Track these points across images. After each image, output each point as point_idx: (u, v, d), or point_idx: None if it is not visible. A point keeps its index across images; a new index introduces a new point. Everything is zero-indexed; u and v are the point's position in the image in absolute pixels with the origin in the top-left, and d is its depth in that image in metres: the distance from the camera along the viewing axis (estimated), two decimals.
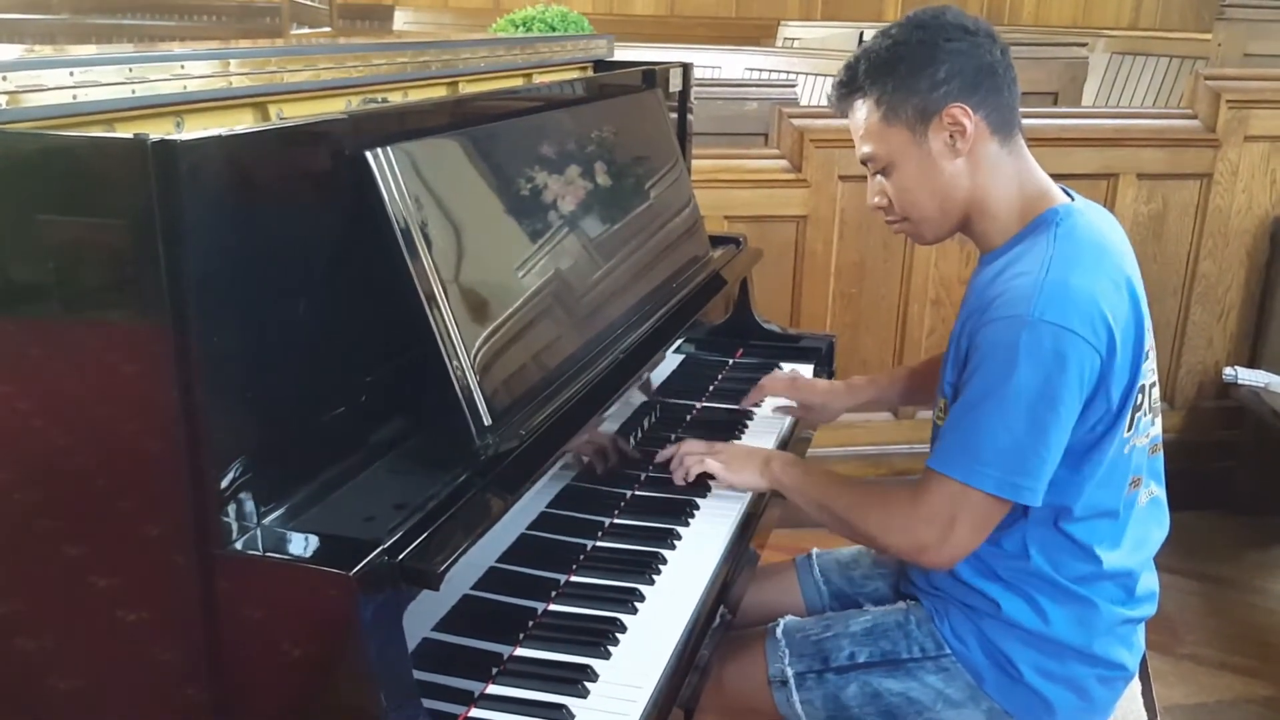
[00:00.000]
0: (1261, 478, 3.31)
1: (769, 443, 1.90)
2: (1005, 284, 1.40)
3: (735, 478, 1.63)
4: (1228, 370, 3.24)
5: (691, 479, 1.65)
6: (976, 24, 1.48)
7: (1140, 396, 1.46)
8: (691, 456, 1.65)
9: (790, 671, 1.56)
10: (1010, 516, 1.44)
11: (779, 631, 1.61)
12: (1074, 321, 1.34)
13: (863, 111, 1.50)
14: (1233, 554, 3.14)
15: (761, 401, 2.01)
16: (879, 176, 1.53)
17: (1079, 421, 1.39)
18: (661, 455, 1.70)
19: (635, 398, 1.68)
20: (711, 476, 1.65)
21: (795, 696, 1.55)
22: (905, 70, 1.45)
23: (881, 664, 1.55)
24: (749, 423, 1.97)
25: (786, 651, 1.58)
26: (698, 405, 2.02)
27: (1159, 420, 1.55)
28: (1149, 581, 1.56)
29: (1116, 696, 1.57)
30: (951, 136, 1.45)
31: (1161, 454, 1.57)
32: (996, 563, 1.49)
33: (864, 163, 1.54)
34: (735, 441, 1.81)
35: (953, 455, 1.39)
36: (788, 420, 1.99)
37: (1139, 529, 1.53)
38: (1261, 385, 3.14)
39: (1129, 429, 1.45)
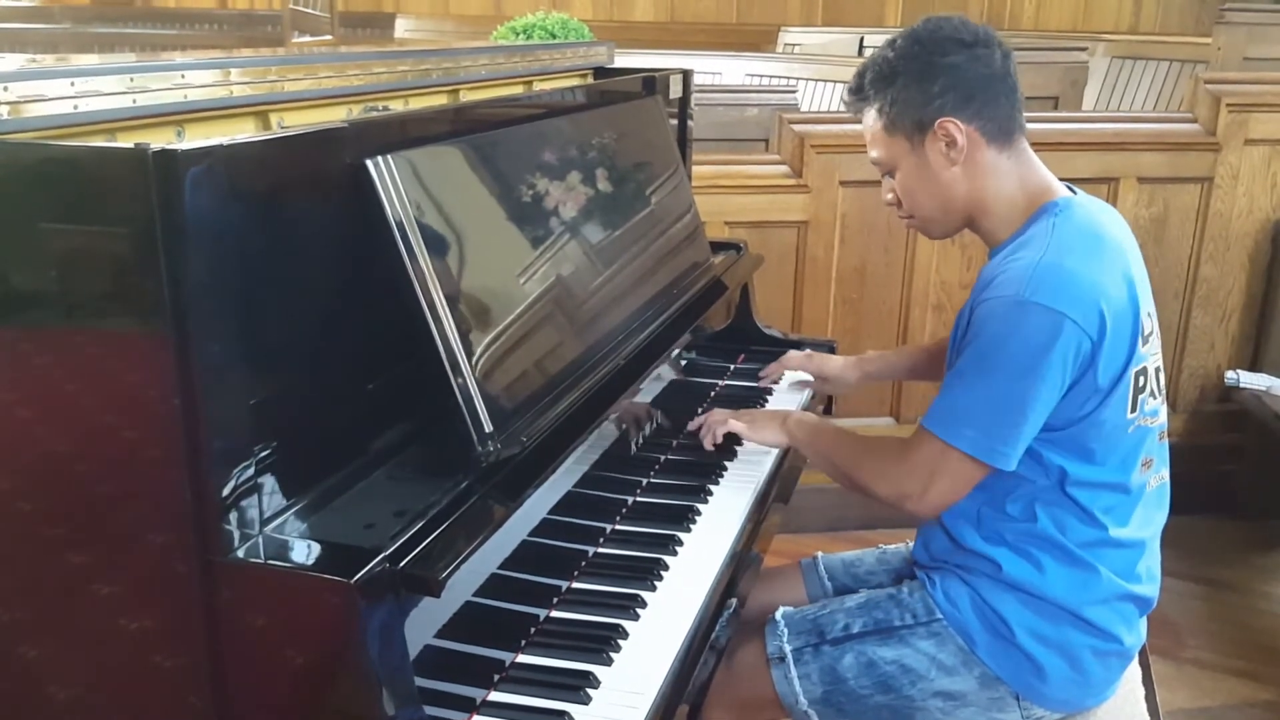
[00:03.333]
0: (1264, 481, 3.30)
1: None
2: (1003, 267, 1.48)
3: (758, 435, 1.74)
4: (1229, 374, 3.23)
5: (719, 442, 1.77)
6: (976, 35, 1.53)
7: (1143, 379, 1.51)
8: (717, 422, 1.77)
9: (788, 648, 1.60)
10: (1017, 482, 1.50)
11: (778, 615, 1.65)
12: (1064, 304, 1.41)
13: (870, 118, 1.59)
14: (1235, 558, 3.14)
15: (779, 378, 2.14)
16: (888, 177, 1.62)
17: (1067, 400, 1.45)
18: (691, 425, 1.83)
19: (637, 403, 1.68)
20: (733, 450, 1.79)
21: (793, 672, 1.58)
22: (902, 84, 1.53)
23: (875, 633, 1.59)
24: (769, 398, 2.08)
25: (785, 631, 1.62)
26: (699, 410, 2.02)
27: (1165, 408, 1.60)
28: (1152, 564, 1.59)
29: (1111, 678, 1.58)
30: (946, 147, 1.52)
31: (1168, 441, 1.62)
32: (1004, 527, 1.54)
33: (874, 164, 1.63)
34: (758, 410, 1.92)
35: (938, 415, 1.48)
36: (805, 394, 2.10)
37: (1147, 510, 1.57)
38: (1263, 389, 3.13)
39: (1133, 409, 1.50)
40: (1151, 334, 1.52)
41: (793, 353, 2.12)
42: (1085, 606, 1.51)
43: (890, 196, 1.63)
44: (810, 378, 2.11)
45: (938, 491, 1.49)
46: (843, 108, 1.68)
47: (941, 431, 1.46)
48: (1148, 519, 1.57)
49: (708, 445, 1.78)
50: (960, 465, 1.46)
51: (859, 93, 1.59)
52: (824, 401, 2.18)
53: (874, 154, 1.60)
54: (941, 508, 1.52)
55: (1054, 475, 1.50)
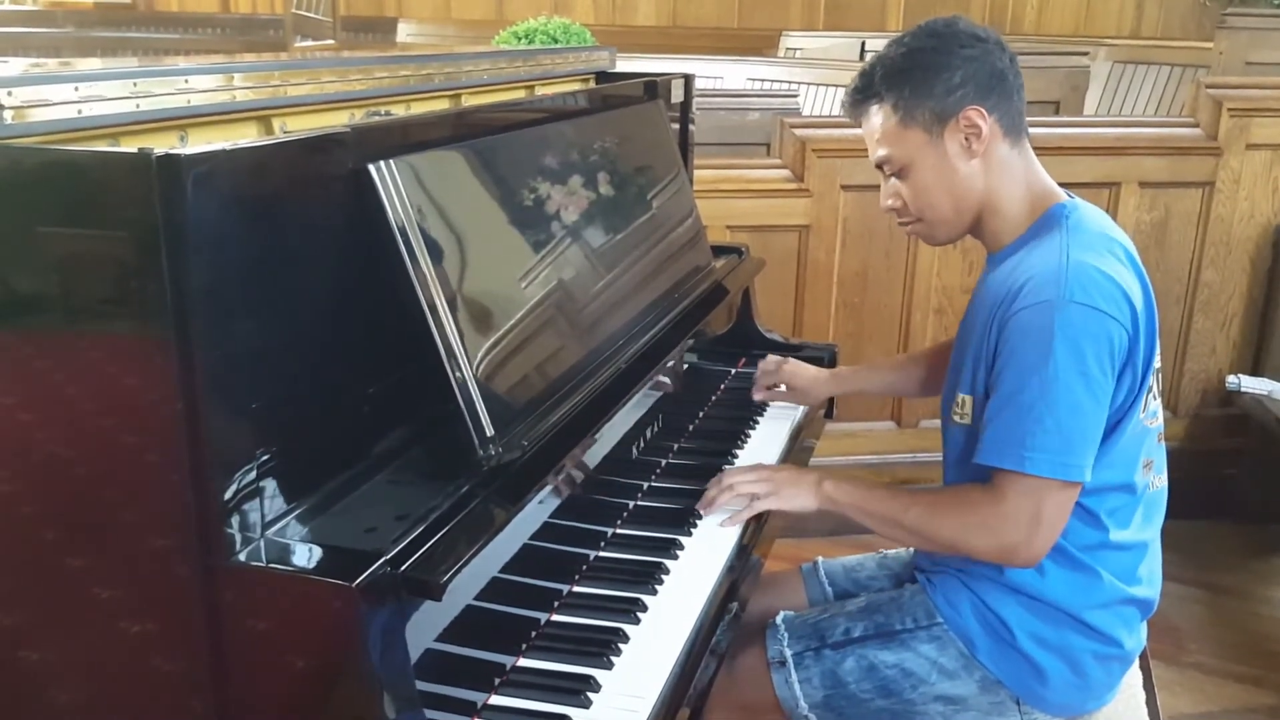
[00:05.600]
0: (1265, 486, 3.30)
1: (782, 436, 1.95)
2: (1026, 273, 1.45)
3: (788, 504, 1.59)
4: (1231, 378, 3.23)
5: (745, 518, 1.59)
6: (986, 32, 1.54)
7: (1152, 379, 1.51)
8: (737, 481, 1.60)
9: (789, 653, 1.60)
10: None
11: (779, 620, 1.64)
12: (1100, 300, 1.39)
13: (879, 116, 1.56)
14: (1237, 562, 3.14)
15: (767, 396, 2.07)
16: (893, 179, 1.58)
17: (1111, 397, 1.43)
18: (711, 485, 1.64)
19: (638, 407, 1.69)
20: (734, 455, 1.70)
21: (794, 676, 1.58)
22: (921, 75, 1.51)
23: (876, 637, 1.58)
24: (759, 419, 2.02)
25: (786, 635, 1.62)
26: (700, 415, 2.02)
27: (1162, 410, 1.60)
28: (1153, 566, 1.59)
29: (1112, 682, 1.58)
30: (967, 139, 1.51)
31: (1166, 445, 1.61)
32: None
33: (879, 166, 1.59)
34: (781, 465, 1.72)
35: (1001, 445, 1.41)
36: (799, 412, 2.05)
37: (1147, 511, 1.57)
38: (1265, 393, 3.13)
39: (1143, 409, 1.50)
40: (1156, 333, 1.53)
41: (769, 358, 2.08)
42: (1086, 610, 1.51)
43: (892, 201, 1.59)
44: (781, 388, 2.05)
45: (1046, 530, 1.40)
46: (842, 111, 1.65)
47: (1009, 461, 1.39)
48: (1148, 521, 1.57)
49: (705, 509, 1.61)
50: (1058, 494, 1.39)
51: (866, 90, 1.55)
52: (824, 405, 2.15)
53: (882, 152, 1.56)
54: (1049, 548, 1.43)
55: None
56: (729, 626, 1.45)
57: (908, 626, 1.57)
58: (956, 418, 1.57)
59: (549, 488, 1.35)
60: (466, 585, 1.20)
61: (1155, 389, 1.54)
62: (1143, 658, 1.69)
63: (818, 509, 1.59)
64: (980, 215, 1.56)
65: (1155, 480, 1.58)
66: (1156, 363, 1.53)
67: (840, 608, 1.64)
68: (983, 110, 1.49)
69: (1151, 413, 1.53)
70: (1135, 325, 1.43)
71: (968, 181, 1.53)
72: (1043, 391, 1.38)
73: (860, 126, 1.60)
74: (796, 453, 1.97)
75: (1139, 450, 1.52)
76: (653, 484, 1.73)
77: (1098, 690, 1.56)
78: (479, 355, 1.27)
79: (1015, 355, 1.41)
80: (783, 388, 2.06)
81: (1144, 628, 1.61)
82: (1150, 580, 1.57)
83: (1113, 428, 1.46)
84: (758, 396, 2.06)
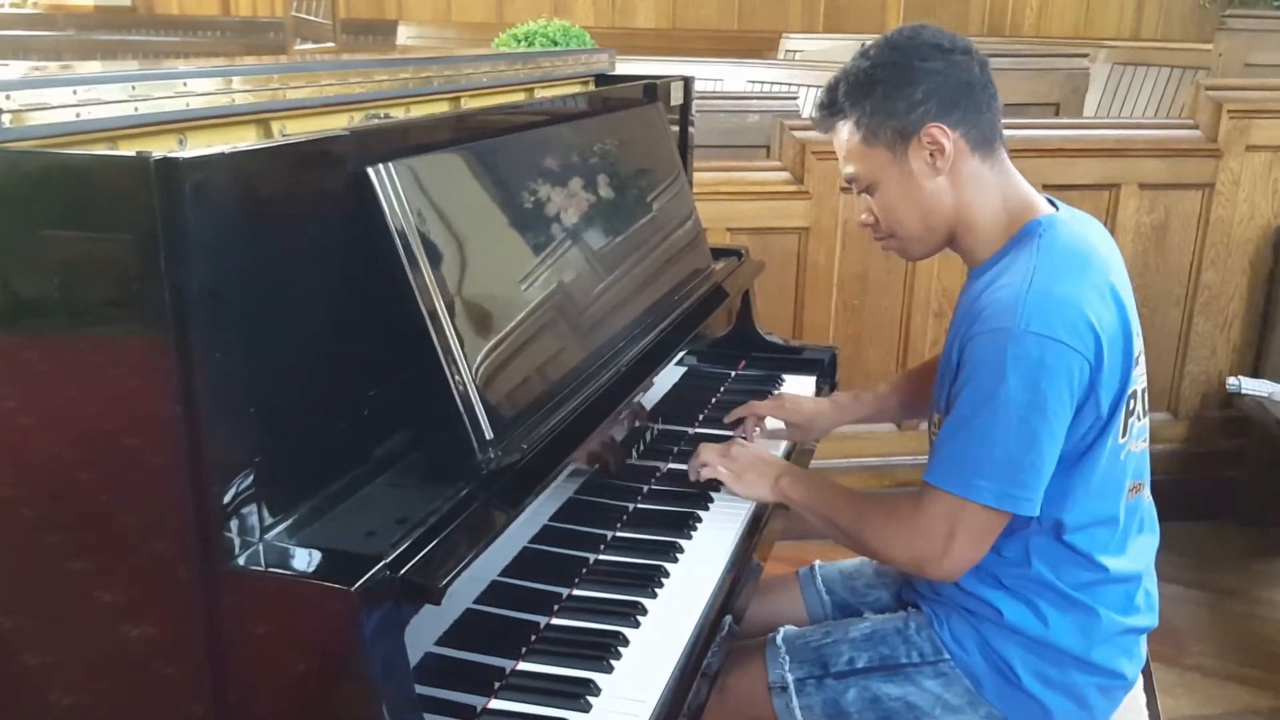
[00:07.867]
0: (1266, 488, 3.29)
1: (782, 439, 1.93)
2: (990, 297, 1.42)
3: (743, 489, 1.63)
4: (1231, 380, 3.23)
5: (703, 479, 1.66)
6: (953, 42, 1.49)
7: (1133, 402, 1.47)
8: (707, 457, 1.65)
9: (790, 678, 1.57)
10: (1012, 525, 1.45)
11: (779, 639, 1.62)
12: (1059, 331, 1.36)
13: (844, 132, 1.52)
14: (1238, 564, 3.13)
15: (753, 422, 1.94)
16: (864, 195, 1.55)
17: (1070, 429, 1.40)
18: (692, 458, 1.70)
19: (638, 411, 1.68)
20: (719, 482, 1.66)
21: (795, 702, 1.56)
22: (882, 93, 1.47)
23: (880, 669, 1.55)
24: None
25: (787, 658, 1.59)
26: (700, 417, 2.02)
27: (1147, 420, 1.57)
28: (1151, 588, 1.57)
29: (1115, 705, 1.57)
30: (931, 155, 1.47)
31: (1161, 447, 1.57)
32: (999, 570, 1.50)
33: (849, 182, 1.56)
34: (751, 447, 1.71)
35: (948, 469, 1.41)
36: (782, 444, 1.98)
37: (1139, 534, 1.55)
38: (1265, 395, 3.14)
39: (1123, 434, 1.47)
40: (1139, 355, 1.48)
41: (757, 403, 1.94)
42: (1089, 651, 1.49)
43: (866, 217, 1.56)
44: (782, 425, 1.95)
45: (959, 552, 1.41)
46: (811, 125, 1.59)
47: (954, 486, 1.39)
48: (1142, 545, 1.55)
49: (691, 478, 1.67)
50: (979, 519, 1.39)
51: (832, 105, 1.52)
52: (806, 446, 2.04)
53: (850, 170, 1.53)
54: (965, 568, 1.44)
55: (1047, 522, 1.46)
56: (726, 639, 1.44)
57: (914, 660, 1.55)
58: (932, 435, 1.54)
59: (548, 491, 1.35)
60: (466, 589, 1.20)
61: (1140, 410, 1.50)
62: None
63: (775, 501, 1.64)
64: (954, 231, 1.52)
65: (1143, 497, 1.56)
66: (1141, 384, 1.49)
67: (843, 632, 1.61)
68: (944, 127, 1.44)
69: (1137, 434, 1.50)
70: (1099, 355, 1.38)
71: (935, 199, 1.49)
72: (994, 421, 1.36)
73: (831, 138, 1.56)
74: (797, 456, 1.96)
75: (1123, 478, 1.49)
76: (653, 487, 1.73)
77: (1101, 714, 1.55)
78: (478, 359, 1.27)
79: (971, 381, 1.39)
80: (778, 424, 1.95)
81: (1144, 643, 1.59)
82: (1148, 604, 1.55)
83: (1079, 460, 1.42)
84: (749, 432, 1.92)
